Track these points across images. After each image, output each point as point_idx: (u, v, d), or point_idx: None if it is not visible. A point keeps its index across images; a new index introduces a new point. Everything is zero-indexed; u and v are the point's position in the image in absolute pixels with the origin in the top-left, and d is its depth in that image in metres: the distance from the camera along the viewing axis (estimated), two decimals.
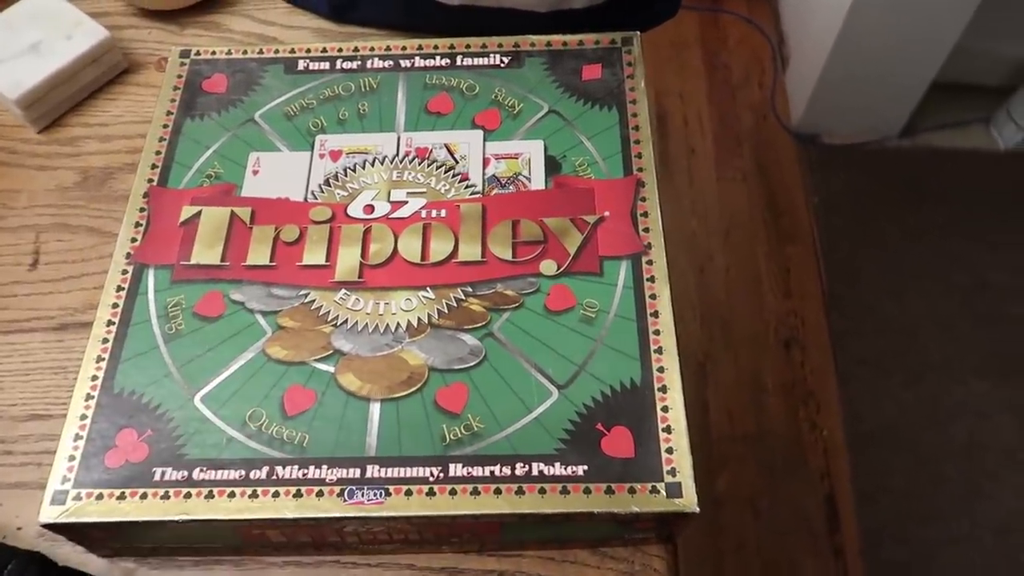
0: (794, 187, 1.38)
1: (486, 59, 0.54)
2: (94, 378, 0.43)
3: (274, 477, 0.40)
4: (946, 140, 1.41)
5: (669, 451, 0.40)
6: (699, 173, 1.39)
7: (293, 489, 0.40)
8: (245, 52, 0.55)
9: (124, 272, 0.47)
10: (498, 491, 0.39)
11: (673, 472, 0.39)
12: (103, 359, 0.44)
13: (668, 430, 0.40)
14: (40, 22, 0.58)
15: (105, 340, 0.44)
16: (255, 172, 0.50)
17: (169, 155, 0.51)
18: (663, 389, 0.41)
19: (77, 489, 0.40)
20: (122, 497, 0.40)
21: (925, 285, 1.28)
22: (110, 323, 0.45)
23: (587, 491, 0.39)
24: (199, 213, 0.48)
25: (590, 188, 0.48)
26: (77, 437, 0.41)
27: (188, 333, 0.45)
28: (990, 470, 1.13)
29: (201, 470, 0.40)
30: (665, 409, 0.41)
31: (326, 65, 0.54)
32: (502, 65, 0.53)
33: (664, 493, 0.39)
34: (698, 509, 0.38)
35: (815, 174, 1.39)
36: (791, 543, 1.09)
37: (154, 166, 0.50)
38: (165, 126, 0.52)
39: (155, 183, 0.50)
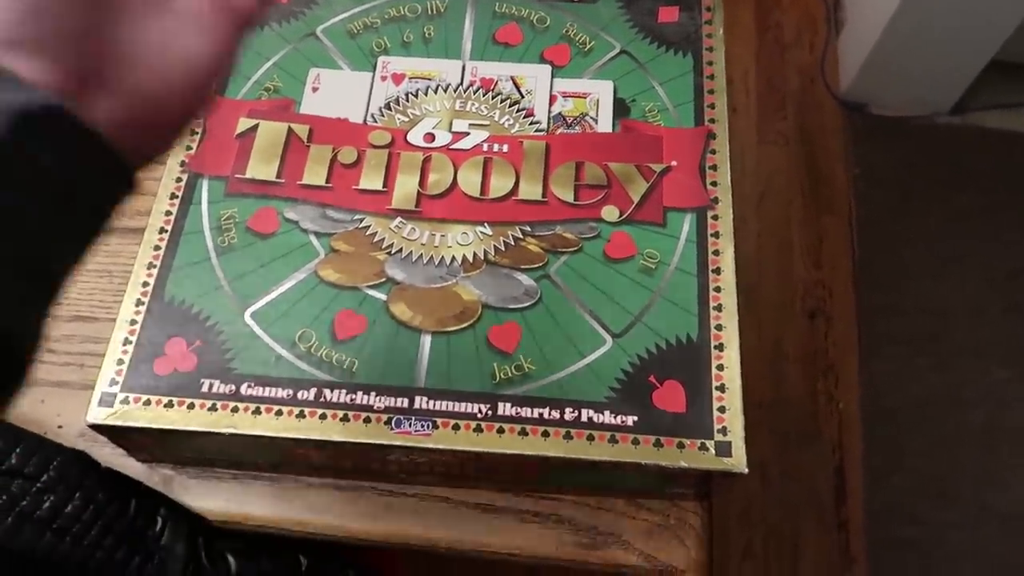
0: (836, 156, 1.35)
1: None
2: (145, 284, 0.43)
3: (322, 399, 0.40)
4: (997, 121, 1.36)
5: (721, 410, 0.39)
6: (739, 133, 1.35)
7: (340, 413, 0.39)
8: None
9: (178, 180, 0.46)
10: (546, 434, 0.39)
11: (724, 431, 0.39)
12: (154, 266, 0.43)
13: (722, 388, 0.40)
14: None
15: (157, 247, 0.44)
16: (315, 89, 0.49)
17: None
18: (719, 347, 0.41)
19: (125, 393, 0.40)
20: (169, 405, 0.39)
21: (960, 268, 1.25)
22: (162, 231, 0.44)
23: (635, 442, 0.38)
24: (256, 126, 0.47)
25: (659, 135, 0.46)
26: (126, 342, 0.41)
27: (240, 247, 0.44)
28: (1005, 458, 1.13)
29: (249, 385, 0.40)
30: (720, 368, 0.40)
31: None
32: None
33: (713, 451, 0.38)
34: (747, 470, 0.38)
35: (859, 145, 1.35)
36: (796, 512, 1.10)
37: None
38: None
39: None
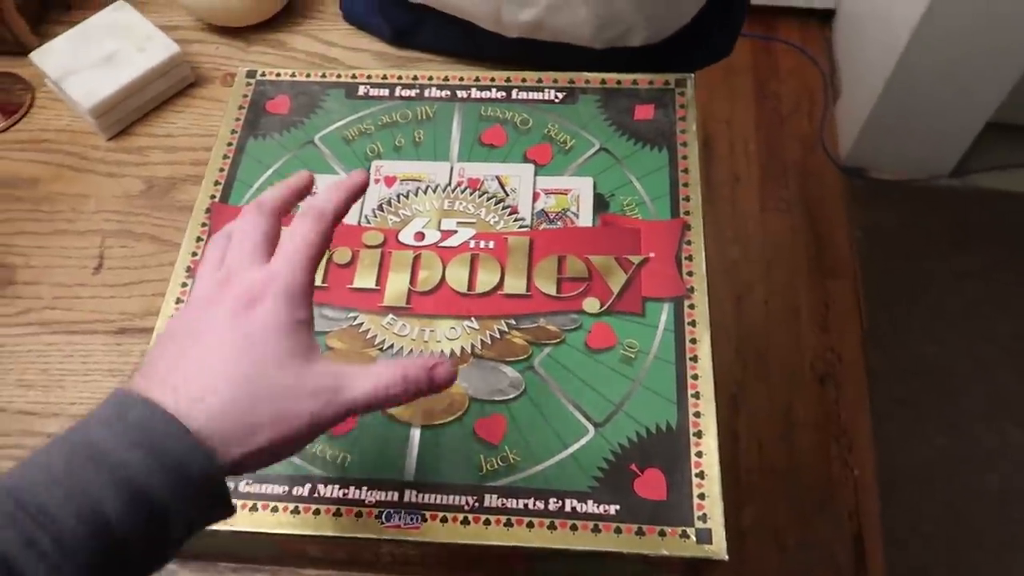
0: (838, 221, 1.36)
1: (541, 94, 0.55)
2: None
3: (315, 495, 0.41)
4: (997, 182, 1.38)
5: (701, 496, 0.40)
6: (743, 202, 1.38)
7: (333, 508, 0.41)
8: (308, 75, 0.57)
9: (184, 285, 0.49)
10: (531, 524, 0.40)
11: (704, 518, 0.40)
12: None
13: (701, 475, 0.41)
14: (115, 34, 0.61)
15: None
16: (312, 194, 0.52)
17: (232, 173, 0.53)
18: (698, 434, 0.42)
19: None
20: None
21: (967, 328, 1.25)
22: None
23: (618, 531, 0.40)
24: None
25: (636, 228, 0.49)
26: None
27: None
28: (1022, 521, 1.11)
29: (247, 483, 0.42)
30: (699, 454, 0.41)
31: (385, 92, 0.56)
32: (556, 100, 0.54)
33: (694, 539, 0.39)
34: (727, 557, 0.39)
35: (861, 209, 1.37)
36: None
37: (217, 183, 0.52)
38: (230, 144, 0.54)
39: (217, 199, 0.52)
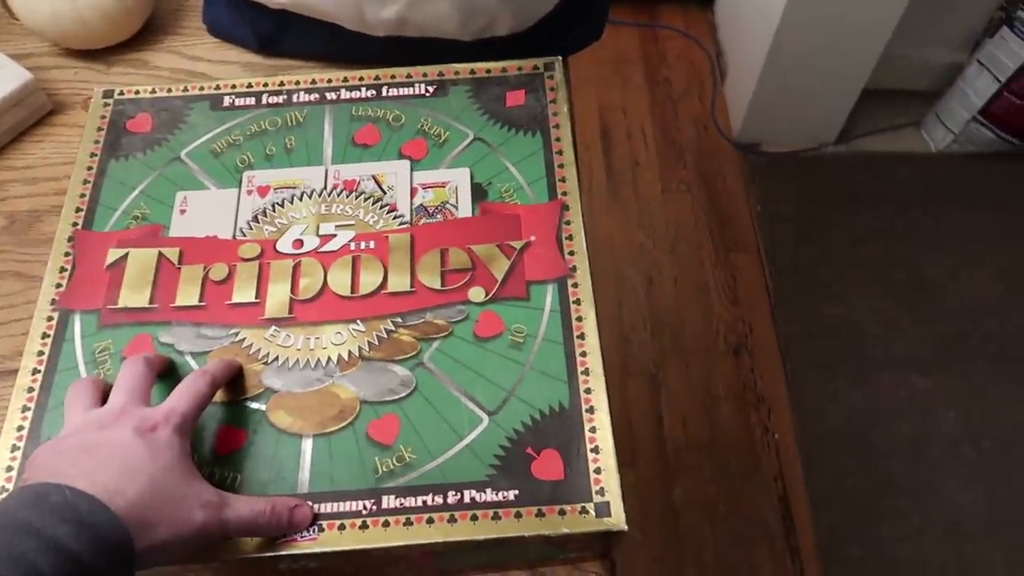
0: (737, 196, 1.41)
1: (411, 89, 0.54)
2: (20, 428, 0.43)
3: None
4: (880, 144, 1.45)
5: (597, 471, 0.40)
6: (644, 186, 1.41)
7: None
8: (170, 90, 0.55)
9: (49, 319, 0.46)
10: (430, 520, 0.39)
11: (602, 492, 0.40)
12: (28, 408, 0.43)
13: (596, 450, 0.41)
14: None
15: (31, 389, 0.44)
16: (182, 211, 0.50)
17: (94, 197, 0.50)
18: (590, 410, 0.42)
19: None
20: None
21: (868, 286, 1.31)
22: (35, 371, 0.44)
23: (518, 515, 0.39)
24: (126, 255, 0.48)
25: (516, 214, 0.49)
26: (2, 491, 0.41)
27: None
28: (936, 464, 1.16)
29: None
30: (593, 430, 0.42)
31: (252, 100, 0.54)
32: (427, 94, 0.54)
33: (593, 513, 0.39)
34: (626, 527, 0.39)
35: (757, 182, 1.42)
36: (749, 547, 1.11)
37: (79, 209, 0.50)
38: (89, 168, 0.52)
39: (80, 227, 0.49)
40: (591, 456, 0.41)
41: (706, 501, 1.12)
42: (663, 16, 1.60)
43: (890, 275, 1.31)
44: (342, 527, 0.39)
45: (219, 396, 0.43)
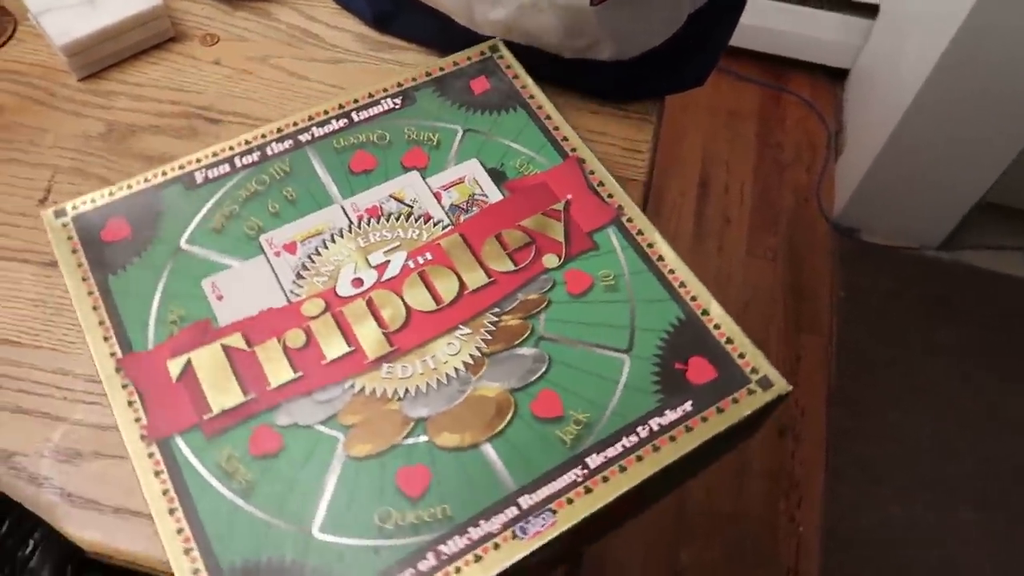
0: (822, 277, 1.35)
1: (380, 107, 0.54)
2: (196, 572, 0.39)
3: (444, 556, 0.39)
4: (982, 260, 1.37)
5: (741, 356, 0.45)
6: (730, 244, 1.34)
7: (471, 555, 0.39)
8: (130, 186, 0.50)
9: (151, 455, 0.42)
10: (639, 458, 0.42)
11: (755, 371, 0.45)
12: (191, 550, 0.39)
13: (729, 341, 0.46)
14: None
15: (179, 531, 0.40)
16: (219, 298, 0.47)
17: (115, 320, 0.45)
18: (704, 312, 0.47)
19: None
20: None
21: (933, 402, 1.24)
22: (172, 511, 0.40)
23: (704, 419, 0.43)
24: (188, 362, 0.44)
25: (542, 182, 0.51)
26: None
27: (260, 478, 0.41)
28: None
29: None
30: (716, 327, 0.46)
31: (225, 168, 0.51)
32: (397, 107, 0.54)
33: (760, 389, 0.44)
34: (791, 387, 0.45)
35: (846, 268, 1.35)
36: None
37: (106, 338, 0.45)
38: (91, 293, 0.46)
39: (120, 355, 0.44)
40: (728, 347, 0.46)
41: (712, 572, 1.08)
42: (791, 81, 1.53)
43: (960, 395, 1.24)
44: (570, 500, 0.41)
45: (376, 447, 0.42)
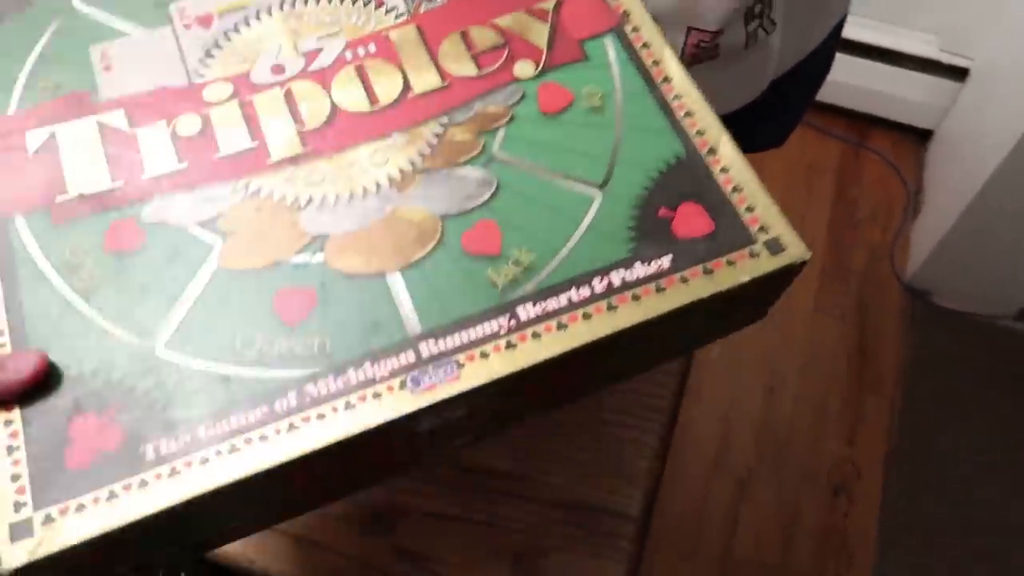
0: (890, 339, 1.30)
1: None
2: None
3: (308, 398, 0.30)
4: None
5: (750, 209, 0.34)
6: (797, 296, 1.28)
7: (340, 402, 0.30)
8: None
9: None
10: (587, 316, 0.32)
11: (764, 229, 0.34)
12: (3, 346, 0.31)
13: (738, 189, 0.35)
14: None
15: None
16: (107, 68, 0.38)
17: None
18: (711, 151, 0.36)
19: (43, 510, 0.28)
20: (113, 496, 0.28)
21: (997, 477, 1.19)
22: None
23: (683, 280, 0.33)
24: (53, 135, 0.36)
25: None
26: (11, 449, 0.29)
27: (107, 277, 0.33)
28: None
29: (207, 426, 0.30)
30: (724, 170, 0.35)
31: None
32: None
33: (767, 251, 0.33)
34: (809, 254, 0.33)
35: (915, 331, 1.31)
36: None
37: None
38: None
39: None
40: (734, 196, 0.34)
41: None
42: (873, 138, 1.48)
43: (1021, 474, 1.20)
44: (484, 355, 0.31)
45: (258, 261, 0.33)
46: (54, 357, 0.31)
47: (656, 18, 0.39)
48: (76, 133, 0.36)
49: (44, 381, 0.30)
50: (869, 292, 1.35)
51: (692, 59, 0.54)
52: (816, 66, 0.62)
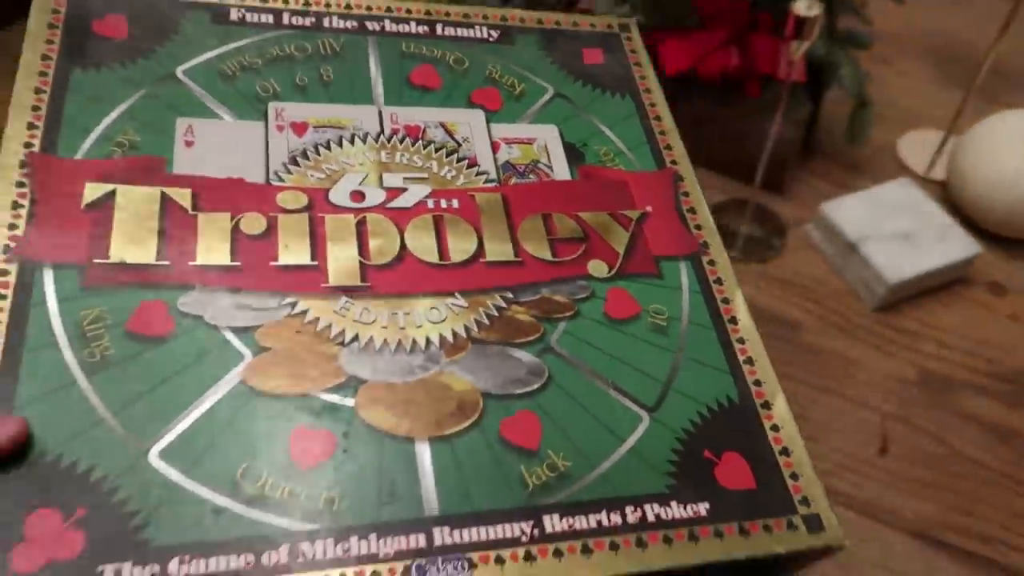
0: None
1: (471, 31, 0.45)
2: None
3: (301, 558, 0.27)
4: None
5: (794, 477, 0.33)
6: None
7: (335, 573, 0.27)
8: None
9: (4, 273, 0.31)
10: (614, 546, 0.30)
11: (806, 502, 0.33)
12: None
13: (785, 452, 0.34)
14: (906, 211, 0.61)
15: None
16: (188, 143, 0.37)
17: (54, 112, 0.35)
18: (765, 405, 0.35)
19: None
20: None
21: None
22: None
23: (718, 534, 0.31)
24: (112, 193, 0.34)
25: (623, 180, 0.41)
26: None
27: (121, 361, 0.30)
28: None
29: (182, 560, 0.26)
30: (775, 428, 0.34)
31: (269, 18, 0.42)
32: (491, 39, 0.45)
33: (804, 527, 0.32)
34: (847, 542, 0.32)
35: None
36: None
37: (32, 126, 0.35)
38: (43, 74, 0.36)
39: (38, 149, 0.34)
40: (781, 460, 0.33)
41: None
42: None
43: None
44: (500, 560, 0.29)
45: (284, 386, 0.31)
46: (36, 430, 0.28)
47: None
48: (137, 198, 0.34)
49: (18, 453, 0.27)
50: None
51: None
52: None
